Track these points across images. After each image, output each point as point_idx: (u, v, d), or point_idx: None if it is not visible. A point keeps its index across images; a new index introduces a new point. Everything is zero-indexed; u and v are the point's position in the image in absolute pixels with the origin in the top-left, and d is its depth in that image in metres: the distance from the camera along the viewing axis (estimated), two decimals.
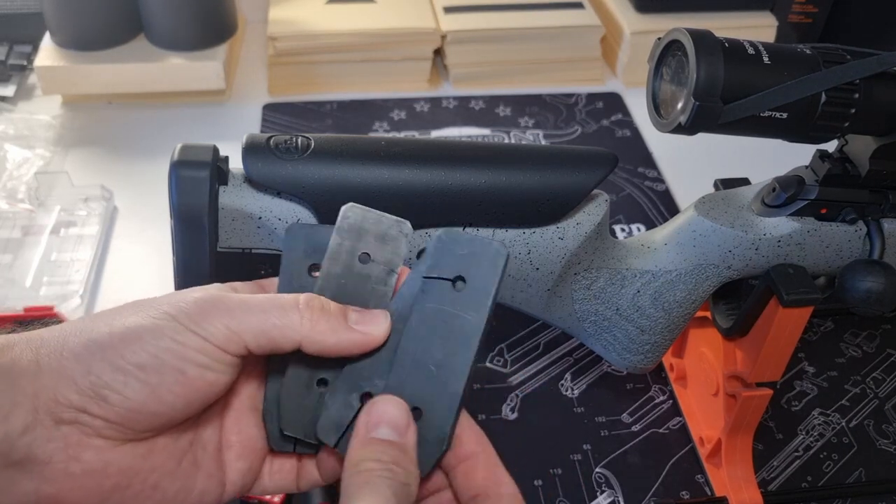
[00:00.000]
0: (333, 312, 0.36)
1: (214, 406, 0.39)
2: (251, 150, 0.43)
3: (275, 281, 0.40)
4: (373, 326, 0.37)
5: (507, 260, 0.37)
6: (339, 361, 0.38)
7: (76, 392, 0.33)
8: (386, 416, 0.35)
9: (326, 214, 0.43)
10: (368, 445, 0.34)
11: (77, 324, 0.35)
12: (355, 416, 0.36)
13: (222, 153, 0.44)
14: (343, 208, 0.39)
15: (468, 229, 0.46)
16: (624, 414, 0.64)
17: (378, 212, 0.39)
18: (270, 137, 0.44)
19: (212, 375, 0.35)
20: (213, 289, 0.37)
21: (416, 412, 0.36)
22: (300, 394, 0.38)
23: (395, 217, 0.39)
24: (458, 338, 0.36)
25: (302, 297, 0.36)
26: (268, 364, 0.39)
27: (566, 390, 0.65)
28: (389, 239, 0.39)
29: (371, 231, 0.39)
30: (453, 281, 0.37)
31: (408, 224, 0.39)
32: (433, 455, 0.36)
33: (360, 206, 0.39)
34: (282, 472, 0.40)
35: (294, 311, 0.35)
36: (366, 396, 0.37)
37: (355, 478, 0.33)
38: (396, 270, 0.38)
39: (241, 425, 0.40)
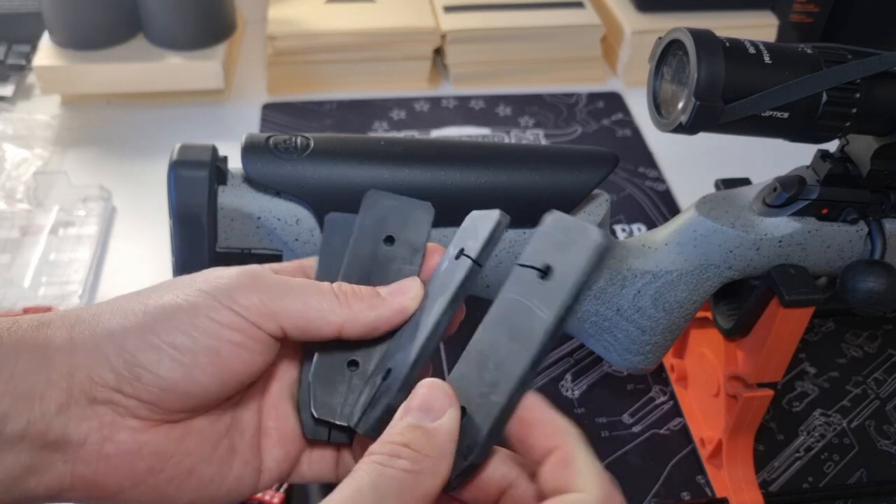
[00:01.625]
0: (366, 293, 0.36)
1: (253, 390, 0.38)
2: (250, 149, 0.43)
3: (314, 261, 0.39)
4: (404, 296, 0.36)
5: (602, 251, 0.32)
6: (369, 341, 0.37)
7: (110, 370, 0.33)
8: (418, 399, 0.33)
9: (325, 214, 0.43)
10: (390, 430, 0.32)
11: (112, 302, 0.35)
12: (375, 395, 0.35)
13: (221, 153, 0.44)
14: (365, 195, 0.39)
15: None
16: (624, 415, 0.63)
17: (398, 195, 0.39)
18: (269, 137, 0.44)
19: (246, 355, 0.34)
20: (253, 266, 0.36)
21: (461, 411, 0.33)
22: (332, 377, 0.37)
23: (416, 199, 0.39)
24: (526, 337, 0.32)
25: (334, 284, 0.36)
26: (302, 351, 0.38)
27: (566, 391, 0.65)
28: (412, 219, 0.39)
29: (393, 214, 0.39)
30: (542, 271, 0.33)
31: (429, 204, 0.39)
32: (456, 466, 0.32)
33: (380, 191, 0.39)
34: (321, 462, 0.39)
35: (331, 295, 0.35)
36: (388, 373, 0.36)
37: (358, 465, 0.31)
38: (421, 249, 0.38)
39: (279, 411, 0.39)
